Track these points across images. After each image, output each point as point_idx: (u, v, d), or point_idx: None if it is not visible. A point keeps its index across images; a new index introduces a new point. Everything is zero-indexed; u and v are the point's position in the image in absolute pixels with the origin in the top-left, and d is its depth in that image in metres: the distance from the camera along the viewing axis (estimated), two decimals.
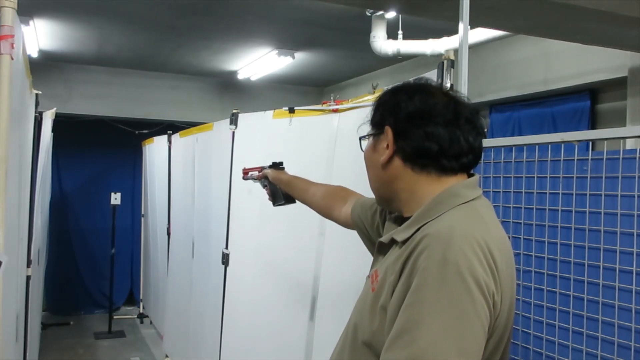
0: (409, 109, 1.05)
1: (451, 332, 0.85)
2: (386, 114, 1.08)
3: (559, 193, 1.69)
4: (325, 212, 1.67)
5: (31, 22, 4.17)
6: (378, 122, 1.10)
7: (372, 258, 1.19)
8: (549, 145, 1.72)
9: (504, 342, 1.00)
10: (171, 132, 4.96)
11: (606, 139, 1.60)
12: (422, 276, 0.88)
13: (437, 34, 3.76)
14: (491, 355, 0.97)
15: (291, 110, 2.95)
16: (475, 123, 1.06)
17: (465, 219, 0.97)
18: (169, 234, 4.80)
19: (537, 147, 1.76)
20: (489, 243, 0.92)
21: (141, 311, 6.27)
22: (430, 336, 0.84)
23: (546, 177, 1.73)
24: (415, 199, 1.05)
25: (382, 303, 0.97)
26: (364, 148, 1.17)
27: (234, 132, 3.08)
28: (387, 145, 1.06)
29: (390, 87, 1.14)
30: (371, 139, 1.12)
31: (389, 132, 1.06)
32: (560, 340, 1.67)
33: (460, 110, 1.04)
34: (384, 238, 1.08)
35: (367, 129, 1.14)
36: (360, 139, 1.18)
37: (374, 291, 1.01)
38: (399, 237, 1.01)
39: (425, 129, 1.02)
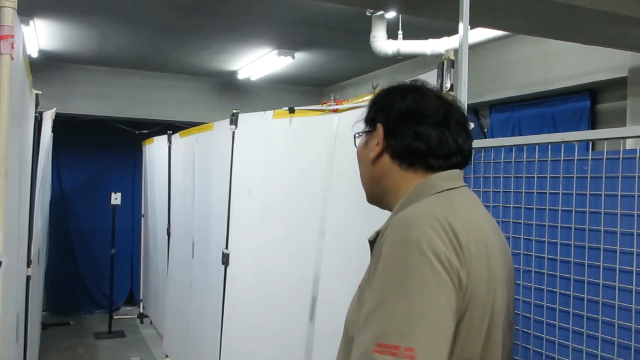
0: (401, 108, 1.08)
1: (416, 306, 0.87)
2: (379, 112, 1.12)
3: (559, 193, 1.69)
4: None
5: (31, 22, 4.17)
6: (371, 119, 1.14)
7: None
8: (549, 145, 1.71)
9: (496, 332, 0.98)
10: (171, 132, 4.97)
11: (606, 139, 1.60)
12: (385, 259, 0.92)
13: (437, 34, 3.76)
14: (486, 344, 0.96)
15: (291, 110, 2.95)
16: (466, 126, 1.10)
17: (431, 204, 1.00)
18: (169, 234, 4.80)
19: (537, 147, 1.76)
20: (450, 221, 0.94)
21: (141, 311, 6.28)
22: (396, 312, 0.87)
23: (546, 177, 1.73)
24: (400, 195, 1.07)
25: (364, 297, 0.98)
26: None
27: (234, 132, 3.08)
28: (378, 142, 1.09)
29: (385, 87, 1.17)
30: (364, 136, 1.15)
31: (380, 129, 1.10)
32: (560, 340, 1.67)
33: (451, 112, 1.08)
34: (370, 236, 1.09)
35: (362, 127, 1.17)
36: (355, 136, 1.21)
37: (360, 288, 1.03)
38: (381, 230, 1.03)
39: (415, 128, 1.06)
